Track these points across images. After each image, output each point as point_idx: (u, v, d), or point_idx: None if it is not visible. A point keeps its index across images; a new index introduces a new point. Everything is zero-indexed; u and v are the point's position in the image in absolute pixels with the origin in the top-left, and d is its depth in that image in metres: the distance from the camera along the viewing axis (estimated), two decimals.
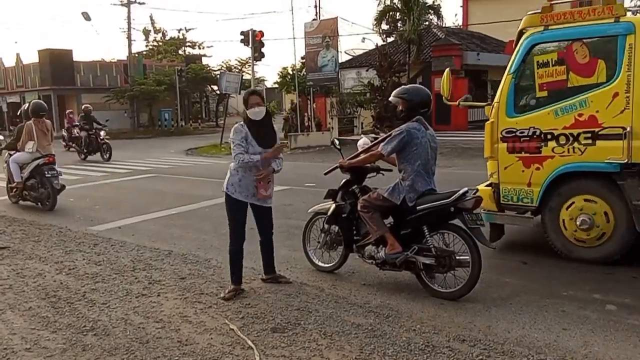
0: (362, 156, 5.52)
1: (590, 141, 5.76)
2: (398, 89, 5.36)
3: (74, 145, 21.74)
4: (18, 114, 12.03)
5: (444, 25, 30.40)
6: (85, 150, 20.44)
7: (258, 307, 4.93)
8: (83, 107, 21.48)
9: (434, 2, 27.42)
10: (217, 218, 8.92)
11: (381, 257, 5.22)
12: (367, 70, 27.69)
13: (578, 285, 5.36)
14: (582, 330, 4.33)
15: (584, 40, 5.84)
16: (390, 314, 4.69)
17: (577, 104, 5.81)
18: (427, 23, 27.79)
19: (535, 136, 6.04)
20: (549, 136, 5.98)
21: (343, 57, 30.79)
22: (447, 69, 7.14)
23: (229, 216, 5.35)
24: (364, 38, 44.51)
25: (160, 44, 55.02)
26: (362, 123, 26.66)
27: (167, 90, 39.66)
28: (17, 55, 44.88)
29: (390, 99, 5.36)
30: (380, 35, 29.16)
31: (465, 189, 5.04)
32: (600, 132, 5.69)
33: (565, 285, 5.34)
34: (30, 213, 9.87)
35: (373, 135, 15.02)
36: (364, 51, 32.65)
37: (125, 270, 6.09)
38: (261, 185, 5.21)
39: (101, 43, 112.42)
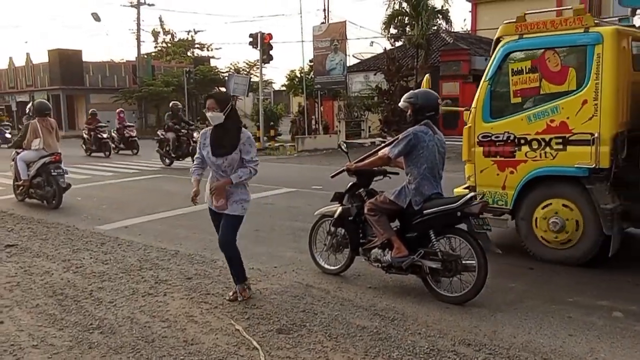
0: (369, 159, 5.53)
1: (561, 146, 5.96)
2: (407, 94, 5.37)
3: (162, 149, 17.66)
4: (27, 112, 12.14)
5: (452, 30, 30.39)
6: (173, 155, 17.23)
7: (264, 308, 4.94)
8: (172, 104, 18.18)
9: (442, 6, 27.42)
10: None
11: (387, 261, 5.22)
12: (375, 74, 27.73)
13: (584, 291, 5.35)
14: (588, 336, 4.32)
15: (556, 49, 6.04)
16: (396, 317, 4.69)
17: (549, 110, 6.02)
18: (435, 28, 27.81)
19: (509, 141, 6.27)
20: (522, 141, 6.19)
21: (351, 61, 30.89)
22: (427, 75, 7.38)
23: None
24: (372, 42, 44.31)
25: (169, 45, 55.08)
26: (369, 127, 26.73)
27: (175, 92, 39.73)
28: (27, 55, 45.31)
29: (400, 104, 5.37)
30: (388, 40, 29.15)
31: (472, 193, 5.06)
32: (570, 138, 5.90)
33: (571, 292, 5.33)
34: (37, 211, 9.93)
35: (380, 139, 15.05)
36: (372, 55, 32.69)
37: (132, 270, 6.11)
38: (213, 196, 5.04)
39: (110, 44, 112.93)
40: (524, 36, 6.26)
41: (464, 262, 4.97)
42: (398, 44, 30.12)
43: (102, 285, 5.62)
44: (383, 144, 5.66)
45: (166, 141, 17.25)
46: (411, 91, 5.46)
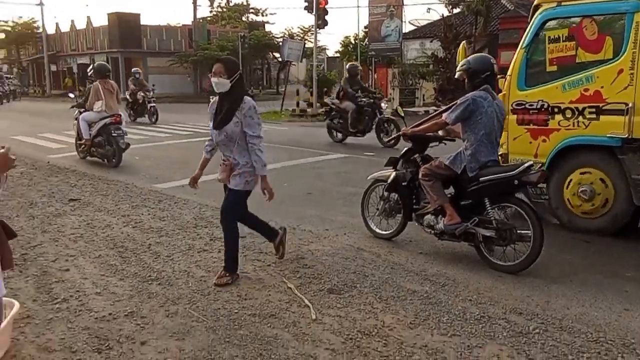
0: (426, 124, 5.48)
1: (594, 116, 5.92)
2: (460, 63, 5.28)
3: (332, 121, 14.49)
4: (89, 74, 12.47)
5: None
6: (351, 129, 13.81)
7: (315, 268, 5.02)
8: (349, 65, 15.28)
9: None
10: (276, 182, 9.04)
11: (440, 227, 5.20)
12: (431, 42, 27.12)
13: None
14: None
15: (594, 17, 5.97)
16: (447, 283, 4.69)
17: (584, 79, 5.97)
18: None
19: (543, 109, 6.25)
20: (555, 109, 6.17)
21: (407, 27, 30.29)
22: (463, 42, 7.35)
23: None
24: (429, 8, 43.46)
25: (225, 10, 55.52)
26: (423, 95, 26.30)
27: (229, 56, 40.04)
28: (88, 17, 46.25)
29: (455, 76, 5.29)
30: (446, 6, 28.34)
31: (530, 162, 4.95)
32: (604, 107, 5.84)
33: (627, 266, 5.19)
34: (98, 169, 10.30)
35: (434, 107, 14.81)
36: (429, 22, 31.91)
37: (188, 227, 6.29)
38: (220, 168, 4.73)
39: (167, 7, 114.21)
40: (562, 3, 6.19)
41: (519, 231, 4.90)
42: (456, 10, 29.33)
43: (159, 240, 5.81)
44: (438, 111, 5.59)
45: (342, 112, 13.99)
46: (464, 59, 5.36)
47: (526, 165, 4.84)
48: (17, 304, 3.63)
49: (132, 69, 20.44)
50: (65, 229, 6.21)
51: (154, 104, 19.77)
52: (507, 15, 27.06)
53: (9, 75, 39.04)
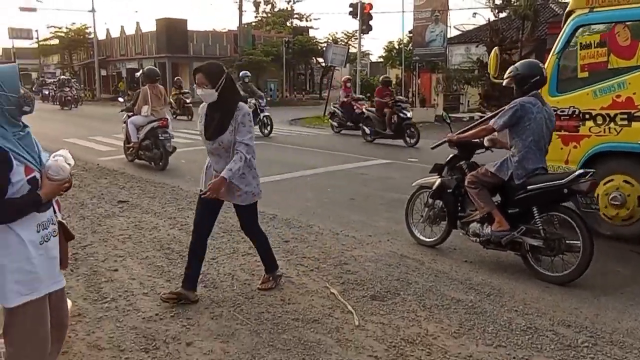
0: (472, 131, 5.42)
1: (626, 122, 5.86)
2: (508, 70, 5.20)
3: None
4: (137, 79, 12.77)
5: (562, 0, 28.69)
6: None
7: (358, 274, 5.02)
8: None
9: None
10: (320, 187, 9.13)
11: (486, 235, 5.12)
12: (476, 47, 26.78)
13: None
14: None
15: (627, 23, 5.95)
16: (492, 293, 4.61)
17: (616, 85, 5.91)
18: None
19: (574, 115, 6.21)
20: (587, 116, 6.12)
21: (452, 32, 29.98)
22: (495, 49, 7.32)
23: None
24: (475, 13, 42.95)
25: (269, 15, 56.03)
26: (468, 101, 25.97)
27: (273, 61, 40.44)
28: (137, 23, 47.55)
29: (504, 83, 5.21)
30: (492, 10, 27.96)
31: (581, 170, 4.83)
32: (636, 114, 5.78)
33: None
34: (145, 172, 10.54)
35: (479, 113, 14.64)
36: (475, 26, 31.53)
37: (233, 230, 6.37)
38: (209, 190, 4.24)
39: (214, 14, 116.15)
40: (595, 9, 6.13)
41: (568, 241, 4.79)
42: (502, 15, 28.88)
43: None
44: (483, 118, 5.52)
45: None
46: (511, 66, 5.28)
47: (576, 173, 4.72)
48: (69, 302, 3.74)
49: (241, 73, 17.17)
50: (114, 230, 6.38)
51: (268, 114, 16.90)
52: (555, 20, 26.44)
53: (74, 80, 40.22)
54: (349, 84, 19.39)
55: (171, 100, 22.85)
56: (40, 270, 2.64)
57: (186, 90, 24.80)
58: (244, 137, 4.14)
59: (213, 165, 4.32)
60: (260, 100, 16.55)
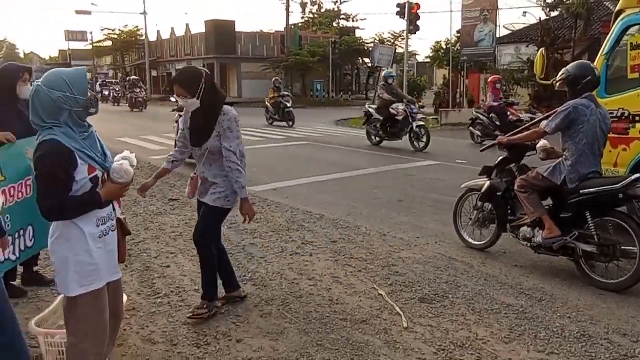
0: (523, 133, 5.32)
1: None
2: (560, 72, 5.09)
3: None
4: None
5: None
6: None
7: (407, 276, 5.00)
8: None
9: None
10: (367, 187, 9.14)
11: (538, 241, 5.02)
12: (527, 46, 26.19)
13: None
14: None
15: None
16: (544, 298, 4.52)
17: None
18: None
19: (623, 117, 6.09)
20: (637, 118, 6.00)
21: (501, 32, 29.46)
22: (542, 49, 7.17)
23: None
24: (525, 12, 41.83)
25: (316, 16, 56.24)
26: (518, 102, 25.42)
27: (320, 62, 40.59)
28: (187, 25, 48.42)
29: (556, 87, 5.11)
30: (543, 9, 27.39)
31: (637, 175, 4.69)
32: None
33: None
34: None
35: (529, 115, 14.33)
36: (525, 26, 30.84)
37: (281, 230, 6.45)
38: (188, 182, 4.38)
39: (261, 15, 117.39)
40: None
41: (623, 247, 4.65)
42: (554, 13, 28.20)
43: (253, 242, 6.00)
44: (533, 120, 5.41)
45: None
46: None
47: (632, 178, 4.58)
48: (125, 296, 3.87)
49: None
50: (166, 227, 6.54)
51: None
52: (610, 19, 25.61)
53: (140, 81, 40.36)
54: (498, 85, 15.48)
55: (268, 104, 21.31)
56: (100, 263, 2.75)
57: (286, 93, 21.58)
58: (232, 144, 3.93)
59: (205, 173, 4.16)
60: (412, 106, 14.10)
